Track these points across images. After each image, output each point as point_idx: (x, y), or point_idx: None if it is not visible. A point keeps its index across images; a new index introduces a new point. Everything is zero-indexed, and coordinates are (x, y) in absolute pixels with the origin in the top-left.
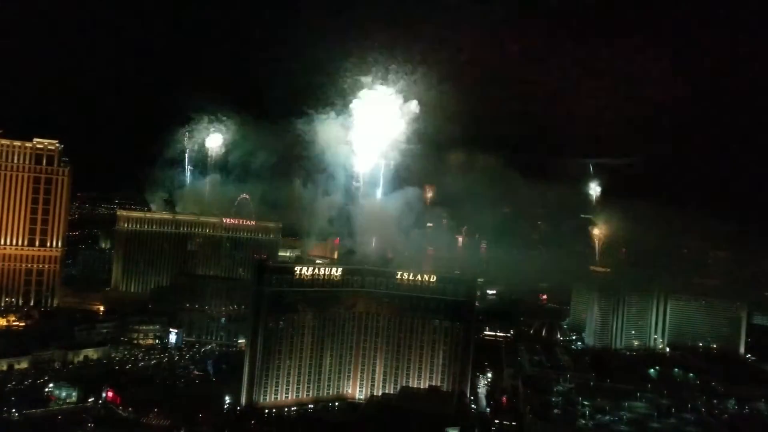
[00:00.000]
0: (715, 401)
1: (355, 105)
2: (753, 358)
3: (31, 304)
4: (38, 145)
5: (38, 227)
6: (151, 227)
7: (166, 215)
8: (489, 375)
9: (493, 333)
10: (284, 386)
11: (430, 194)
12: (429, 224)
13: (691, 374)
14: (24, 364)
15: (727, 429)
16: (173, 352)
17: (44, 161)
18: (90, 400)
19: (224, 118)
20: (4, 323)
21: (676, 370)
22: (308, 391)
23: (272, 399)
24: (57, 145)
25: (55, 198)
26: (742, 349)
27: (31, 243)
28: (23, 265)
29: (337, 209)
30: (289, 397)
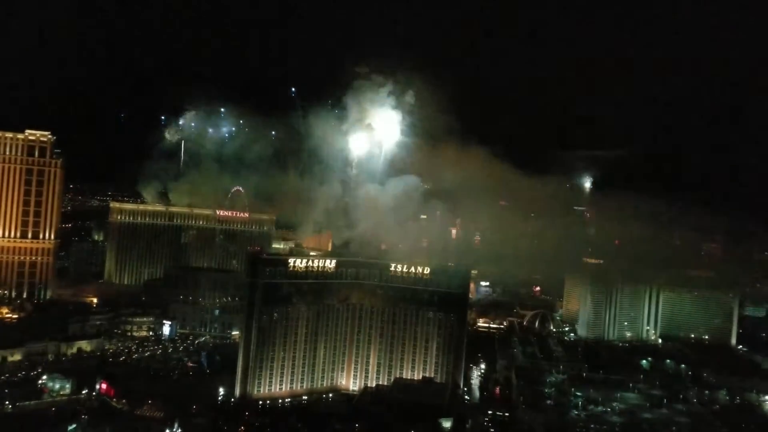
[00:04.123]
0: (706, 392)
1: (351, 94)
2: (744, 349)
3: (24, 296)
4: (30, 137)
5: (31, 219)
6: (145, 219)
7: (160, 207)
8: (482, 366)
9: (487, 324)
10: (278, 378)
11: (425, 185)
12: (423, 216)
13: (683, 365)
14: (17, 356)
15: (719, 420)
16: (167, 344)
17: (36, 153)
18: (84, 392)
19: (220, 110)
20: None
21: (668, 361)
22: (302, 383)
23: (266, 391)
24: (49, 136)
25: (48, 190)
26: (733, 340)
27: (24, 235)
28: (16, 258)
29: (333, 200)
30: (283, 389)
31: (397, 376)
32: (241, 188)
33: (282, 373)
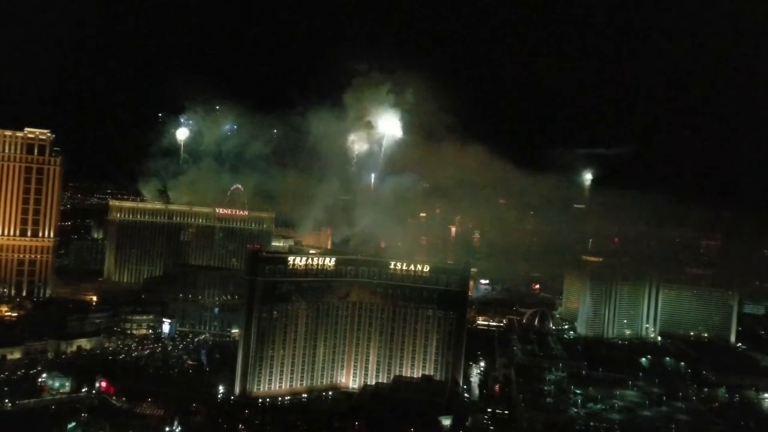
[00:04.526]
0: (705, 390)
1: (351, 92)
2: (743, 346)
3: (24, 294)
4: (29, 135)
5: (30, 217)
6: (144, 217)
7: (159, 205)
8: (482, 364)
9: (486, 322)
10: (278, 376)
11: (425, 183)
12: (422, 214)
13: (682, 363)
14: (17, 354)
15: (718, 418)
16: (166, 342)
17: (36, 151)
18: (83, 390)
19: (218, 107)
20: None
21: (668, 359)
22: (302, 381)
23: (266, 388)
24: (48, 134)
25: (47, 188)
26: (732, 338)
27: (23, 233)
28: (15, 256)
29: (332, 198)
30: (283, 387)
31: (397, 374)
32: (240, 186)
33: (282, 371)
